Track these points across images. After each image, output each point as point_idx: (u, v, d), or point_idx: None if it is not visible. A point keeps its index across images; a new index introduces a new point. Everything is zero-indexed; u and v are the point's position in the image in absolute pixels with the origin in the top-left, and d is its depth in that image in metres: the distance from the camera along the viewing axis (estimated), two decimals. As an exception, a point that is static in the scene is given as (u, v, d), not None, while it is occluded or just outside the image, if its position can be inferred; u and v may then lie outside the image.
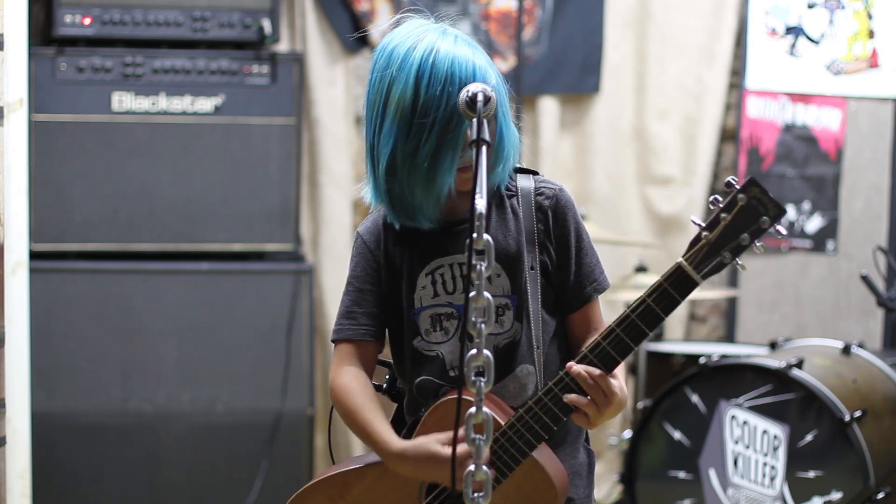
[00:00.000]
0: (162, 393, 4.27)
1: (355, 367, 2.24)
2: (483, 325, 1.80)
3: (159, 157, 4.32)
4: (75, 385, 4.23)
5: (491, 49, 4.84)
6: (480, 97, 2.04)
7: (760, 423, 3.66)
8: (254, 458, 4.29)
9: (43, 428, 4.05)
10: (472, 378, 1.80)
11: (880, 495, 3.49)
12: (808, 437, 3.59)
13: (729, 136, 5.02)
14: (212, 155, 4.34)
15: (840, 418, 3.52)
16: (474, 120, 2.02)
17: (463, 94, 2.06)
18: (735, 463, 3.72)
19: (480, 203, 1.87)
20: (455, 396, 1.95)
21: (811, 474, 3.59)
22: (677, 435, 3.81)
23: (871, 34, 4.74)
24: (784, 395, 3.63)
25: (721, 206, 2.03)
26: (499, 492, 2.10)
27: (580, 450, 2.27)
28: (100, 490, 4.24)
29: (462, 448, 1.94)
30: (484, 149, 1.99)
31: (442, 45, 2.11)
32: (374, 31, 4.60)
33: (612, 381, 2.07)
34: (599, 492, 4.62)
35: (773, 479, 3.65)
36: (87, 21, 4.26)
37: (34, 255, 4.05)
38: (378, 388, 2.31)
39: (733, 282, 4.97)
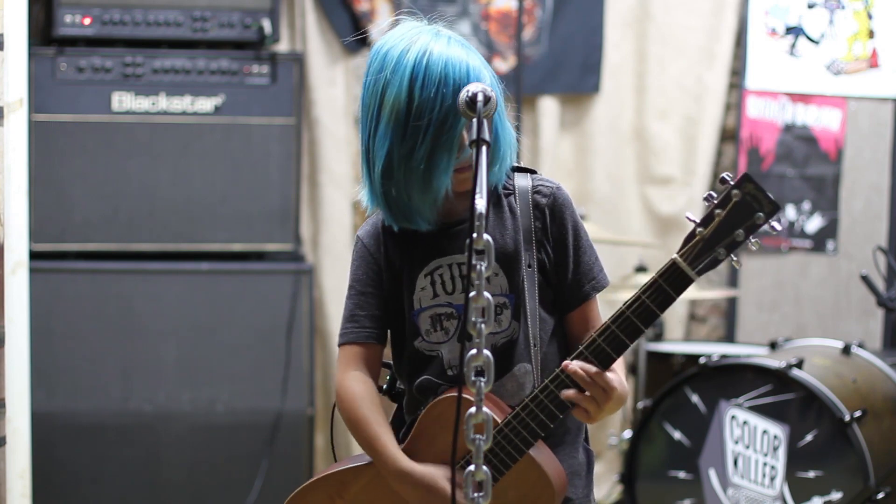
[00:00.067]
0: (162, 393, 4.27)
1: (361, 370, 2.25)
2: (483, 325, 1.80)
3: (159, 157, 4.32)
4: (75, 385, 4.23)
5: (491, 49, 4.84)
6: (480, 97, 2.04)
7: (760, 423, 3.66)
8: (254, 458, 4.29)
9: (43, 428, 4.05)
10: (472, 378, 1.80)
11: (880, 495, 3.49)
12: (808, 437, 3.59)
13: (729, 136, 5.02)
14: (212, 155, 4.34)
15: (840, 418, 3.52)
16: (474, 120, 2.02)
17: (463, 94, 2.06)
18: (735, 463, 3.72)
19: (480, 203, 1.87)
20: (452, 394, 1.95)
21: (811, 474, 3.59)
22: (677, 435, 3.81)
23: (871, 34, 4.74)
24: (784, 395, 3.63)
25: (715, 201, 2.02)
26: (496, 490, 2.10)
27: (579, 449, 2.27)
28: (100, 490, 4.24)
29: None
30: (484, 149, 1.99)
31: (435, 46, 2.12)
32: (375, 31, 4.60)
33: (611, 375, 2.08)
34: (599, 492, 4.62)
35: (773, 479, 3.65)
36: (87, 21, 4.26)
37: (34, 255, 4.05)
38: (378, 388, 2.31)
39: (733, 282, 4.97)
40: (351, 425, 2.24)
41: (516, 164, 2.27)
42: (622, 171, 5.00)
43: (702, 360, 3.78)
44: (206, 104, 4.33)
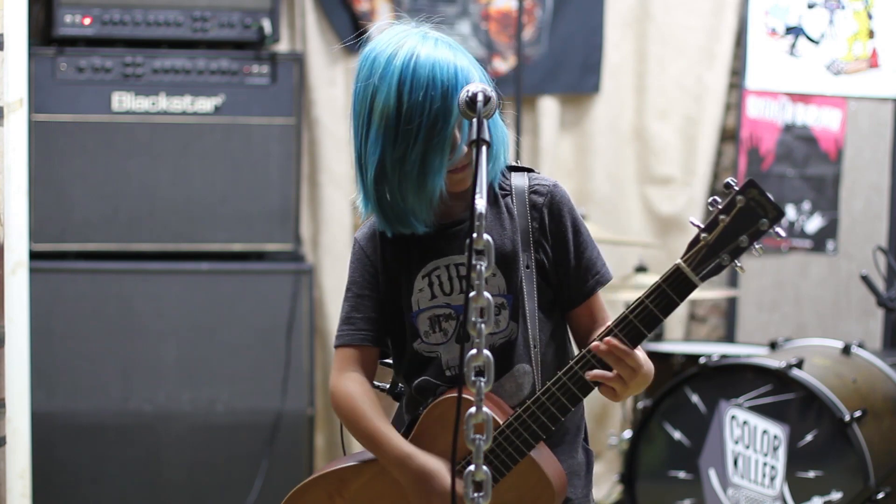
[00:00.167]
0: (162, 393, 4.27)
1: (356, 371, 2.25)
2: (483, 326, 1.80)
3: (159, 157, 4.32)
4: (75, 385, 4.23)
5: (491, 49, 4.84)
6: (481, 97, 2.04)
7: (760, 423, 3.66)
8: (254, 458, 4.29)
9: (43, 428, 4.05)
10: (472, 378, 1.80)
11: (880, 495, 3.49)
12: (808, 437, 3.59)
13: (729, 136, 5.02)
14: (212, 155, 4.34)
15: (840, 418, 3.52)
16: (474, 120, 2.03)
17: (463, 94, 2.07)
18: (735, 463, 3.72)
19: (480, 203, 1.87)
20: (453, 395, 1.95)
21: (811, 474, 3.59)
22: (677, 435, 3.81)
23: (871, 34, 4.74)
24: (784, 395, 3.63)
25: (720, 207, 2.03)
26: (496, 491, 2.10)
27: (579, 449, 2.27)
28: (100, 490, 4.24)
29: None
30: (484, 149, 1.99)
31: (422, 49, 2.12)
32: (375, 31, 4.60)
33: (639, 353, 2.08)
34: (599, 492, 4.61)
35: (773, 479, 3.65)
36: (87, 21, 4.26)
37: (34, 255, 4.05)
38: (381, 388, 2.31)
39: (733, 282, 4.97)
40: (348, 422, 2.23)
41: (514, 164, 2.27)
42: (622, 171, 5.00)
43: (702, 360, 3.78)
44: (206, 104, 4.33)
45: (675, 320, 4.98)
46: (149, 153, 4.31)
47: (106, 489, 4.24)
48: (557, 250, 2.22)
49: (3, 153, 3.14)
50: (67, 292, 4.23)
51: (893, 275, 4.29)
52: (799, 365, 3.63)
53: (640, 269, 4.31)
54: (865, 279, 3.85)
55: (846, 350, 3.86)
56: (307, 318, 4.37)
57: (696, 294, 2.11)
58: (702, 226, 2.04)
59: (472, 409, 1.79)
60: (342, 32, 4.71)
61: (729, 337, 5.03)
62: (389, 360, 2.33)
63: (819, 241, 4.92)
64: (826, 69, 4.80)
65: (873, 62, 4.74)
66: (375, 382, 2.30)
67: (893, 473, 3.56)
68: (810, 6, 4.80)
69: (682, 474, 3.81)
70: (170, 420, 4.27)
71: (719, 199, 2.04)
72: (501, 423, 2.12)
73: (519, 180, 2.24)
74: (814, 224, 4.92)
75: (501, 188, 2.23)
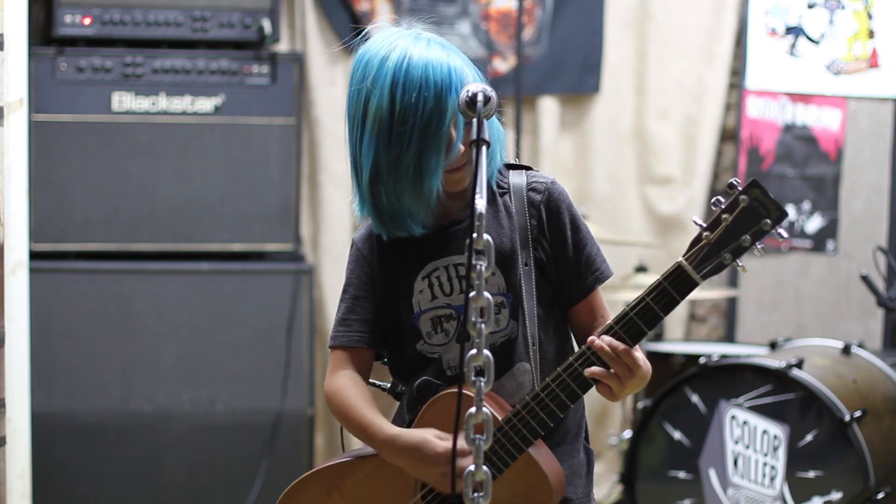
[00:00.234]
0: (162, 393, 4.27)
1: (349, 370, 2.25)
2: (483, 325, 1.80)
3: (159, 157, 4.32)
4: (75, 385, 4.23)
5: (491, 49, 4.85)
6: (481, 97, 2.04)
7: (760, 423, 3.66)
8: (254, 458, 4.29)
9: (43, 428, 4.05)
10: (472, 378, 1.80)
11: (880, 495, 3.49)
12: (808, 437, 3.59)
13: (729, 136, 5.02)
14: (212, 155, 4.34)
15: (840, 418, 3.52)
16: (473, 120, 2.03)
17: (463, 94, 2.07)
18: (735, 463, 3.72)
19: (480, 203, 1.87)
20: (453, 391, 1.95)
21: (811, 474, 3.59)
22: (677, 435, 3.81)
23: (871, 34, 4.74)
24: (784, 395, 3.63)
25: (723, 206, 2.03)
26: (493, 487, 2.09)
27: (579, 449, 2.27)
28: (100, 490, 4.24)
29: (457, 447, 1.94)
30: (484, 148, 1.99)
31: (415, 51, 2.12)
32: (374, 31, 4.60)
33: (637, 353, 2.08)
34: (599, 492, 4.61)
35: (773, 479, 3.65)
36: (87, 21, 4.26)
37: (34, 255, 4.05)
38: (381, 388, 2.32)
39: (733, 282, 4.97)
40: (340, 416, 2.24)
41: (512, 162, 2.27)
42: (622, 171, 5.00)
43: (702, 360, 3.78)
44: (206, 104, 4.33)
45: (675, 320, 4.98)
46: (149, 153, 4.31)
47: (106, 489, 4.24)
48: (556, 247, 2.22)
49: (3, 153, 3.14)
50: (67, 292, 4.23)
51: (893, 275, 4.29)
52: (799, 365, 3.63)
53: (640, 269, 4.31)
54: (865, 279, 3.85)
55: (846, 350, 3.86)
56: (307, 318, 4.37)
57: (696, 294, 2.11)
58: (704, 224, 2.04)
59: (472, 409, 1.79)
60: (342, 32, 4.71)
61: (729, 337, 5.03)
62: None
63: (819, 241, 4.92)
64: (826, 69, 4.80)
65: (873, 62, 4.74)
66: (376, 382, 2.31)
67: (893, 473, 3.56)
68: (810, 6, 4.80)
69: (682, 474, 3.81)
70: (170, 420, 4.27)
71: (722, 199, 2.04)
72: (500, 419, 2.12)
73: (517, 178, 2.24)
74: (814, 224, 4.92)
75: (499, 186, 2.23)
